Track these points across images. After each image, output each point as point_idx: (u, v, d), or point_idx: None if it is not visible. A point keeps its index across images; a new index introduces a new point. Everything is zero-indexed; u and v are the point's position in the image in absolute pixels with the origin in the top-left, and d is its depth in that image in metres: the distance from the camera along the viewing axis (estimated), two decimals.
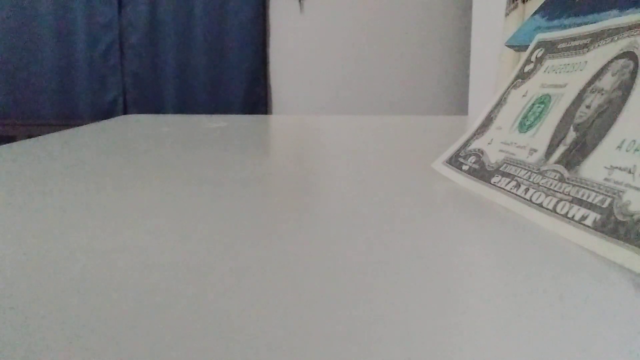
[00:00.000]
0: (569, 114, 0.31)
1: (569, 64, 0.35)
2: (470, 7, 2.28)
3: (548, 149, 0.31)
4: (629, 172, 0.24)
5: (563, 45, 0.37)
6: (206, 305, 0.18)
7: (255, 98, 2.53)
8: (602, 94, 0.29)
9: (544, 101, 0.35)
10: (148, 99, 2.53)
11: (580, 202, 0.26)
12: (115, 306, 0.18)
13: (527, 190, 0.30)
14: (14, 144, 0.58)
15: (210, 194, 0.35)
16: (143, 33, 2.49)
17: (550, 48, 0.39)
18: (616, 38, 0.31)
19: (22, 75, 2.51)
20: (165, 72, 2.51)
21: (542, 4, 0.50)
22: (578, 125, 0.30)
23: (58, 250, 0.24)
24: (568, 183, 0.28)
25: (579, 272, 0.21)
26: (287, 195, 0.35)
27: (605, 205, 0.24)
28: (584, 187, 0.26)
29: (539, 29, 0.47)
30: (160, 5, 2.47)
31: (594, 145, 0.27)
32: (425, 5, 2.48)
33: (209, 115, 0.95)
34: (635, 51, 0.28)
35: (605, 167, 0.26)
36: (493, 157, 0.36)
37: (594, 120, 0.29)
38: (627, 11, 0.37)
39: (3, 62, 2.50)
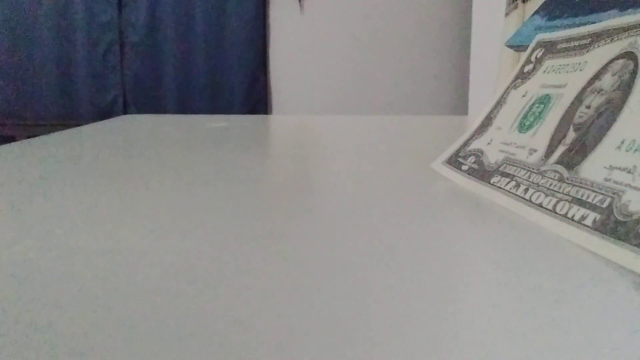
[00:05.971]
0: (568, 114, 0.31)
1: (568, 64, 0.35)
2: (470, 7, 2.28)
3: (548, 149, 0.31)
4: (629, 172, 0.24)
5: (563, 45, 0.37)
6: (206, 305, 0.18)
7: (255, 98, 2.53)
8: (602, 94, 0.29)
9: (543, 101, 0.35)
10: (148, 99, 2.53)
11: (580, 202, 0.26)
12: (115, 306, 0.18)
13: (526, 190, 0.30)
14: (14, 144, 0.58)
15: (211, 194, 0.35)
16: (143, 33, 2.49)
17: (550, 48, 0.39)
18: (616, 38, 0.31)
19: (22, 75, 2.51)
20: (165, 72, 2.51)
21: (542, 4, 0.50)
22: (578, 125, 0.30)
23: (58, 250, 0.24)
24: (568, 183, 0.28)
25: (579, 272, 0.21)
26: (287, 195, 0.35)
27: (605, 205, 0.24)
28: (583, 187, 0.26)
29: (539, 29, 0.47)
30: (160, 5, 2.47)
31: (594, 145, 0.27)
32: (425, 5, 2.48)
33: (209, 115, 0.95)
34: (635, 51, 0.28)
35: (605, 167, 0.26)
36: (493, 157, 0.36)
37: (593, 121, 0.29)
38: (627, 11, 0.37)
39: (3, 62, 2.50)
